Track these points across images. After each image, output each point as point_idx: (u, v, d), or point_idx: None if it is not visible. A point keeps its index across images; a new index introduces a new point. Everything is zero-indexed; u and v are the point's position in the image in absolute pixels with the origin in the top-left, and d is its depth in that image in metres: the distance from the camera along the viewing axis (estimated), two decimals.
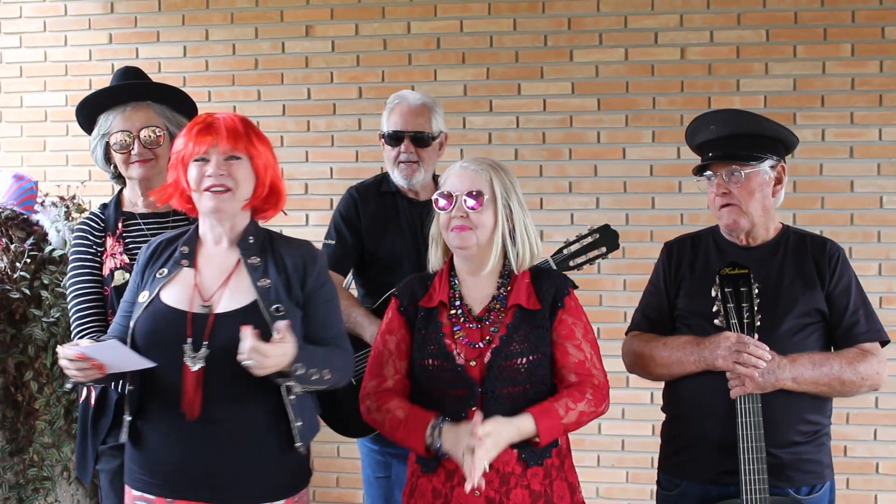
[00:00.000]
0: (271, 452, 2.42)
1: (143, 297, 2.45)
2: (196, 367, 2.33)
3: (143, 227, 2.95)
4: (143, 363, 2.34)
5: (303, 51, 4.76)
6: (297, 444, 2.42)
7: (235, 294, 2.41)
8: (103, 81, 4.82)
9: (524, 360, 2.47)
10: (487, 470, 2.34)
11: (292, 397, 2.39)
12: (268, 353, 2.20)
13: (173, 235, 2.59)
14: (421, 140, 3.15)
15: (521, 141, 4.62)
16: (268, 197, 2.49)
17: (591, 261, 3.14)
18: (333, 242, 3.22)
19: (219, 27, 4.80)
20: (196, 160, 2.40)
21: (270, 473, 2.42)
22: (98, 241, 2.92)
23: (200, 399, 2.34)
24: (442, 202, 2.54)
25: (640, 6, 4.52)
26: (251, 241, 2.48)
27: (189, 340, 2.35)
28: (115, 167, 2.97)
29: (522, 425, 2.42)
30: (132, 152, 2.89)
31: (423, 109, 3.18)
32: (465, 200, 2.50)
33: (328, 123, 4.70)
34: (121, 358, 2.35)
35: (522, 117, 4.62)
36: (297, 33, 4.75)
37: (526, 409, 2.44)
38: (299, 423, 2.42)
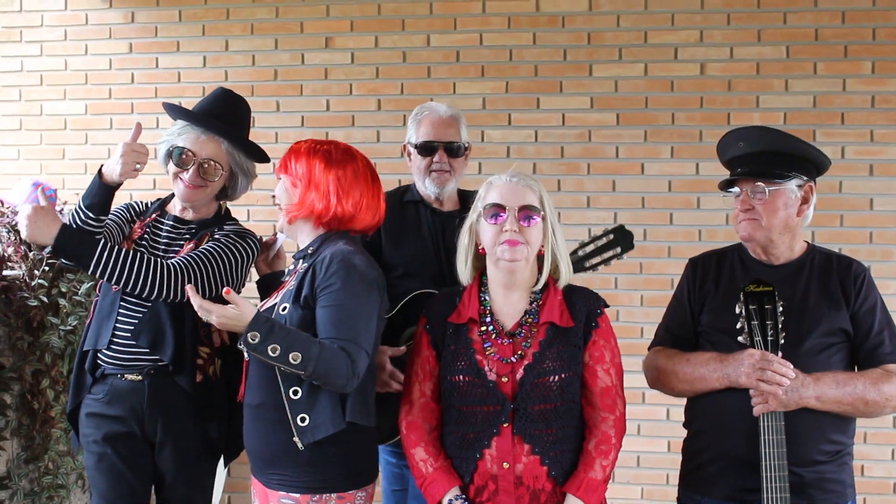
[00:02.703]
0: (278, 444, 2.50)
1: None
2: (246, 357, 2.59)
3: (165, 227, 3.00)
4: None
5: (322, 62, 4.77)
6: (294, 439, 2.46)
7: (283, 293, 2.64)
8: (123, 90, 4.89)
9: (556, 377, 2.46)
10: None
11: (294, 393, 2.46)
12: (210, 309, 2.43)
13: None
14: (453, 150, 3.18)
15: (540, 155, 4.62)
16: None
17: (605, 262, 3.15)
18: None
19: (239, 38, 4.83)
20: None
21: (277, 464, 2.50)
22: (131, 219, 3.05)
23: (244, 386, 2.64)
24: (493, 215, 2.51)
25: (660, 22, 4.53)
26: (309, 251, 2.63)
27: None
28: None
29: None
30: (186, 173, 2.90)
31: (452, 120, 3.23)
32: (519, 215, 2.49)
33: (347, 135, 4.69)
34: None
35: (541, 131, 4.62)
36: (317, 45, 4.77)
37: (567, 489, 2.45)
38: (302, 421, 2.46)
